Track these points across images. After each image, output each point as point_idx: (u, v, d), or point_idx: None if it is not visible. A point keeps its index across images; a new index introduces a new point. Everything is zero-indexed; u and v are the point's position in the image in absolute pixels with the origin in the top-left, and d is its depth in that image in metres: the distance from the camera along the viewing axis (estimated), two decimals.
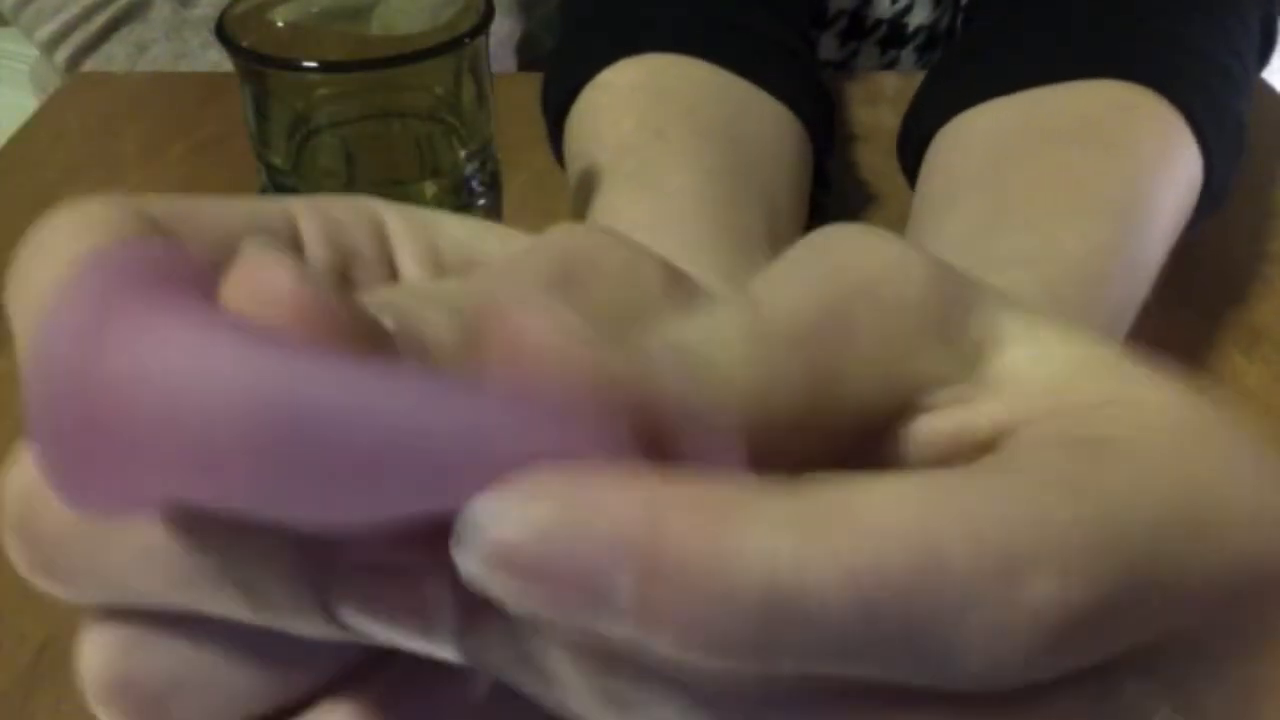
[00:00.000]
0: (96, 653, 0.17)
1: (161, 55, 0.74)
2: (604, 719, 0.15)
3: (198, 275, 0.14)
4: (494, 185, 0.37)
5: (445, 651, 0.16)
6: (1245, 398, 0.42)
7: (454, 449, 0.13)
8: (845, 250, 0.17)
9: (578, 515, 0.13)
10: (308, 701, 0.17)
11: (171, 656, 0.17)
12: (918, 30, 0.70)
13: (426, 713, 0.18)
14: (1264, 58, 0.46)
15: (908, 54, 0.71)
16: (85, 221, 0.17)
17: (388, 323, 0.16)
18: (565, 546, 0.13)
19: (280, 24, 0.35)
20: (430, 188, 0.34)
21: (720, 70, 0.43)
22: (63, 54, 0.74)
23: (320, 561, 0.15)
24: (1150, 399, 0.17)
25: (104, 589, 0.17)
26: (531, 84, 0.66)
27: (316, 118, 0.33)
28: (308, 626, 0.16)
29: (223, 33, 0.32)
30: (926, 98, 0.45)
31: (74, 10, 0.74)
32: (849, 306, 0.16)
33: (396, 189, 0.34)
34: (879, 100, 0.62)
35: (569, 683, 0.15)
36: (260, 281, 0.14)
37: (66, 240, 0.17)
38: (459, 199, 0.35)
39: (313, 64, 0.31)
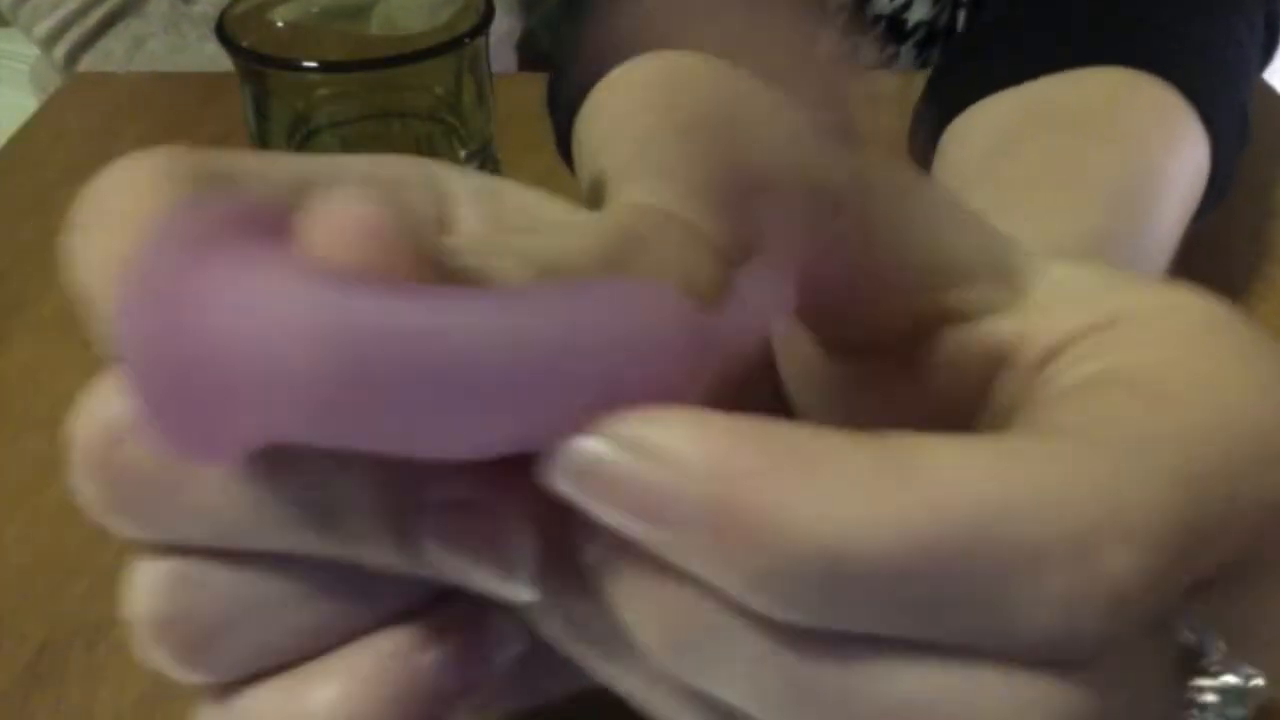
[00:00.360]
0: (148, 588, 0.17)
1: (159, 49, 0.73)
2: (666, 663, 0.15)
3: (271, 223, 0.15)
4: None
5: (517, 592, 0.16)
6: None
7: (538, 375, 0.14)
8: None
9: (658, 453, 0.14)
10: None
11: (227, 592, 0.17)
12: (917, 26, 0.71)
13: (466, 656, 0.18)
14: (1268, 54, 0.46)
15: (907, 50, 0.71)
16: (147, 177, 0.17)
17: (464, 263, 0.16)
18: (644, 482, 0.14)
19: (280, 24, 0.35)
20: None
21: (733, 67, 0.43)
22: (61, 49, 0.74)
23: (405, 497, 0.16)
24: (1183, 307, 0.17)
25: (180, 527, 0.17)
26: (531, 84, 0.66)
27: (316, 118, 0.33)
28: (382, 559, 0.16)
29: (223, 32, 0.32)
30: (930, 98, 0.46)
31: (71, 5, 0.74)
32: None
33: None
34: (879, 100, 0.62)
35: (640, 623, 0.15)
36: (344, 221, 0.14)
37: (132, 196, 0.17)
38: None
39: (313, 64, 0.31)
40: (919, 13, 0.70)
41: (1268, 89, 0.62)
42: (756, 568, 0.13)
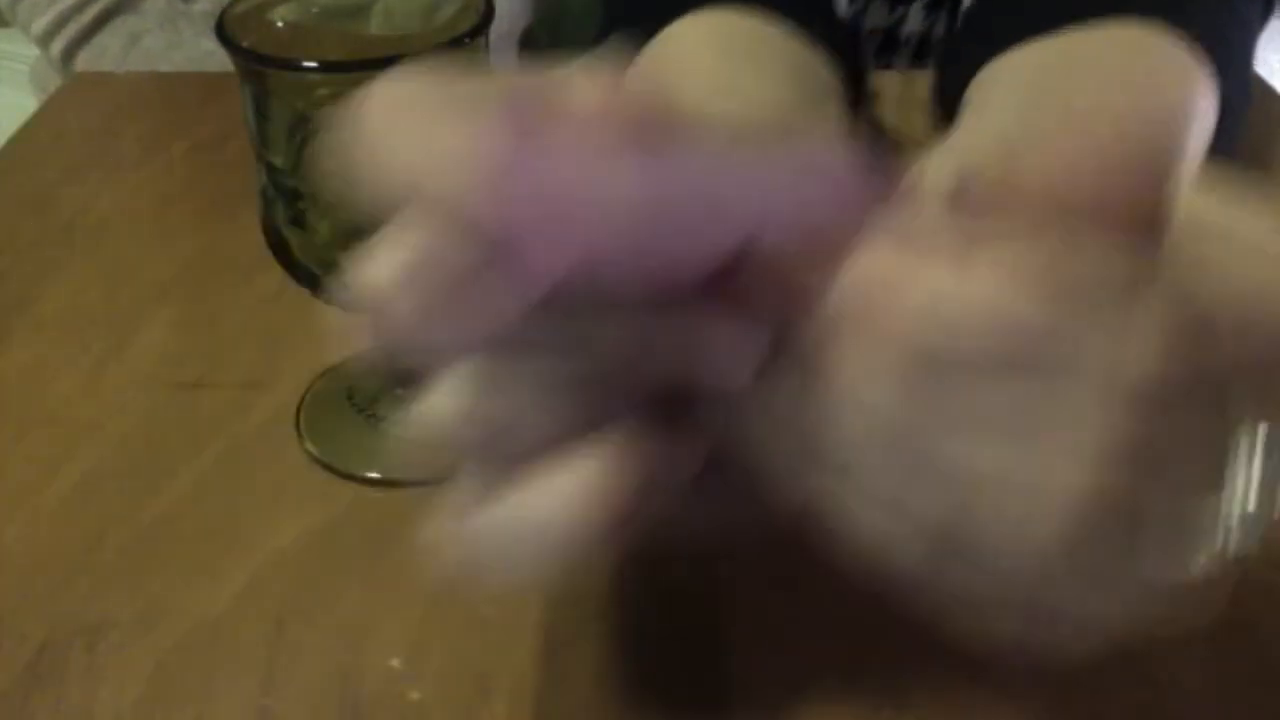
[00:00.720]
0: (455, 393, 0.23)
1: (155, 46, 0.74)
2: (854, 427, 0.21)
3: (548, 101, 0.20)
4: None
5: (741, 381, 0.22)
6: None
7: (765, 208, 0.20)
8: None
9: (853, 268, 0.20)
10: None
11: (513, 397, 0.23)
12: (909, 38, 0.74)
13: (671, 457, 0.23)
14: (1265, 14, 0.49)
15: (900, 61, 0.76)
16: (419, 93, 0.23)
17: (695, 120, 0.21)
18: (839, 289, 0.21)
19: (280, 24, 0.35)
20: None
21: (784, 20, 0.45)
22: (57, 45, 0.75)
23: (654, 312, 0.21)
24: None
25: (478, 331, 0.22)
26: None
27: (316, 118, 0.33)
28: (635, 357, 0.22)
29: (222, 32, 0.32)
30: (952, 55, 0.47)
31: (68, 1, 0.74)
32: None
33: None
34: (882, 98, 0.62)
35: (863, 395, 0.21)
36: (597, 92, 0.20)
37: (419, 109, 0.22)
38: None
39: (313, 64, 0.31)
40: (912, 25, 0.73)
41: (1267, 89, 0.62)
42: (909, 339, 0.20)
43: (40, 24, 0.75)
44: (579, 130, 0.19)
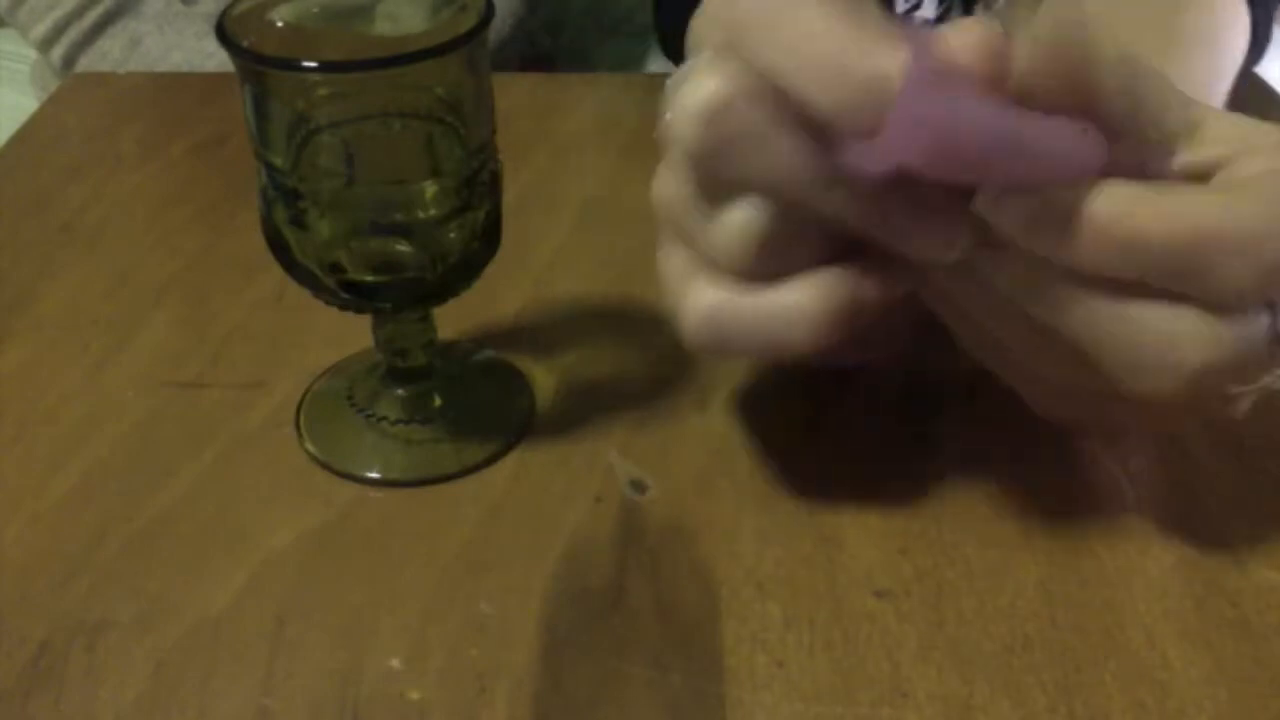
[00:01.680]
0: (742, 219, 0.31)
1: (155, 49, 0.74)
2: (1027, 282, 0.31)
3: (930, 47, 0.28)
4: (494, 185, 0.37)
5: (955, 252, 0.30)
6: None
7: (1039, 152, 0.28)
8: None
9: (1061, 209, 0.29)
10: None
11: (776, 219, 0.31)
12: (924, 24, 0.74)
13: (883, 281, 0.32)
14: None
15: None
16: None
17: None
18: (1044, 225, 0.29)
19: (280, 24, 0.35)
20: (431, 187, 0.34)
21: None
22: (58, 51, 0.74)
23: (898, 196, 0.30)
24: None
25: (758, 171, 0.30)
26: (531, 84, 0.66)
27: (316, 118, 0.33)
28: (871, 227, 0.31)
29: (223, 32, 0.32)
30: None
31: (67, 7, 0.74)
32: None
33: (397, 189, 0.34)
34: None
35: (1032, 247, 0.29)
36: (975, 44, 0.28)
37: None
38: (460, 199, 0.35)
39: (313, 64, 0.31)
40: (926, 11, 0.75)
41: (1267, 89, 0.62)
42: (1108, 251, 0.29)
43: (40, 30, 0.75)
44: (964, 75, 0.28)
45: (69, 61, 0.75)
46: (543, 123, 0.60)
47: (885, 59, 0.27)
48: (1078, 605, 0.34)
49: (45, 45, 0.75)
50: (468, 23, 0.33)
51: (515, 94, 0.64)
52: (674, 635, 0.33)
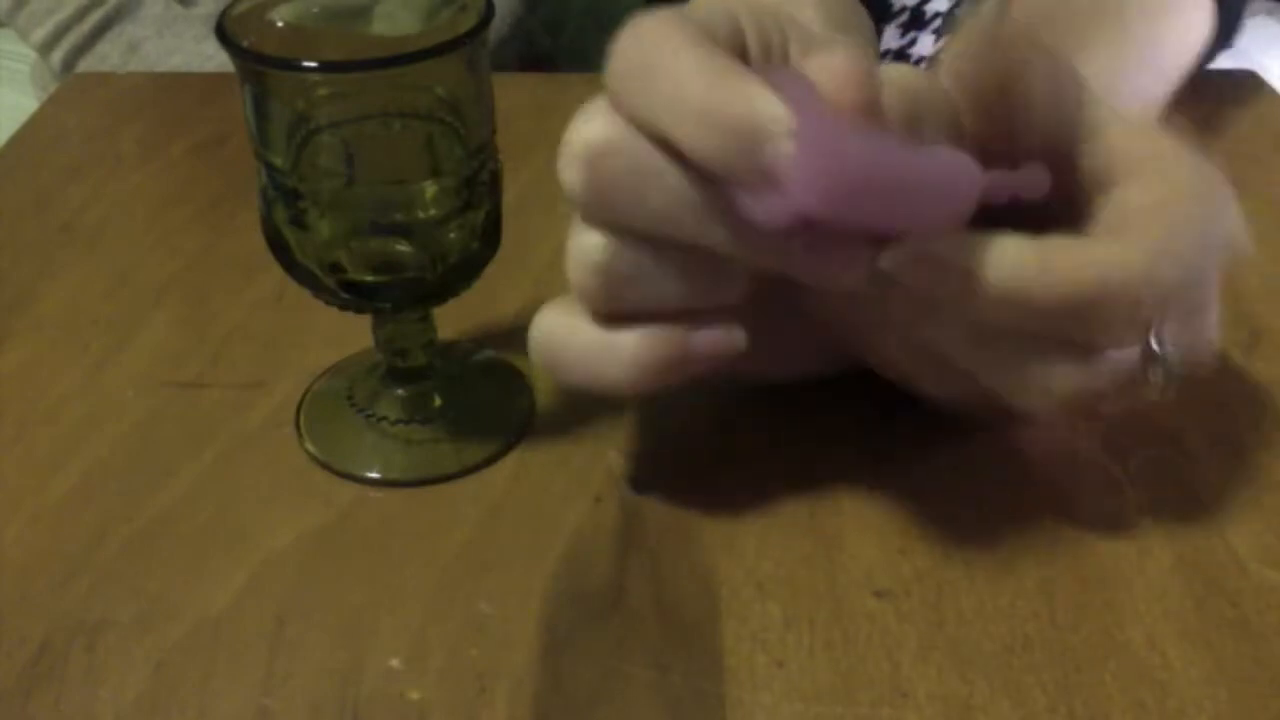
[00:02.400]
0: (591, 248, 0.30)
1: (154, 52, 0.74)
2: (913, 320, 0.33)
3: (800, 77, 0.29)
4: (494, 185, 0.37)
5: (856, 283, 0.30)
6: (1245, 398, 0.42)
7: (905, 194, 0.28)
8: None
9: (943, 250, 0.30)
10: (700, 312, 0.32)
11: (639, 260, 0.30)
12: (935, 15, 0.78)
13: (725, 336, 0.32)
14: None
15: (925, 36, 0.79)
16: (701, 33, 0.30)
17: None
18: (925, 270, 0.30)
19: (280, 24, 0.35)
20: (431, 187, 0.34)
21: None
22: (57, 55, 0.74)
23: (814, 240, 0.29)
24: (1180, 160, 0.32)
25: (630, 216, 0.30)
26: (531, 84, 0.66)
27: (316, 118, 0.33)
28: (757, 260, 0.30)
29: (223, 33, 0.32)
30: None
31: (66, 11, 0.74)
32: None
33: (397, 189, 0.34)
34: None
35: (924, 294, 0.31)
36: (843, 74, 0.28)
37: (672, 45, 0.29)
38: (460, 199, 0.35)
39: (313, 64, 0.31)
40: (938, 4, 0.77)
41: (1267, 89, 0.62)
42: (998, 302, 0.30)
43: (39, 34, 0.75)
44: (842, 108, 0.28)
45: (68, 65, 0.75)
46: (543, 123, 0.60)
47: (758, 103, 0.27)
48: (1078, 605, 0.34)
49: (45, 49, 0.75)
50: (468, 23, 0.33)
51: (515, 94, 0.63)
52: (674, 635, 0.33)
